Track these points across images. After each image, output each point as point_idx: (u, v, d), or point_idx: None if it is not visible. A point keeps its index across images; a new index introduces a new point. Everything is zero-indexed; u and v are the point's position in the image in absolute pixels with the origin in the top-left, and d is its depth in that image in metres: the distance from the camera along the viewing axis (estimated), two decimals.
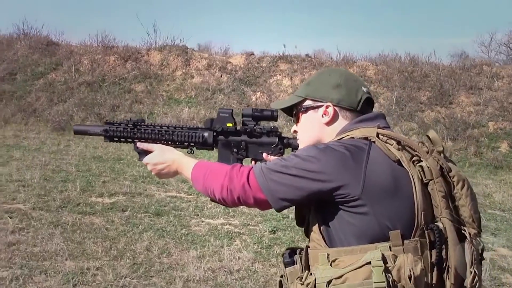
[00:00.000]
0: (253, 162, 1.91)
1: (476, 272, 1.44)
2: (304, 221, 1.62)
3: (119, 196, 6.85)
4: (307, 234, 1.59)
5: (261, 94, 14.07)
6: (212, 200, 1.65)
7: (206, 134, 1.90)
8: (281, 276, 1.67)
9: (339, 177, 1.41)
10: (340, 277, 1.39)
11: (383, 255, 1.37)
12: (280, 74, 14.73)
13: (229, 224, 5.95)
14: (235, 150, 1.89)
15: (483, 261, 1.54)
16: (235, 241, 5.39)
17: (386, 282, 1.33)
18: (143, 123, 1.94)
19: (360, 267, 1.37)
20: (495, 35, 20.66)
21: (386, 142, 1.47)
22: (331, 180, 1.41)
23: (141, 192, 7.10)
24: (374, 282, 1.34)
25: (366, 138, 1.49)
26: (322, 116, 1.61)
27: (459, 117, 12.95)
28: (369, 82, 13.97)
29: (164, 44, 15.83)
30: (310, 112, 1.64)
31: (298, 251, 1.61)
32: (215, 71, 14.81)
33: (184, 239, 5.29)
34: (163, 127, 1.94)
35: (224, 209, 6.34)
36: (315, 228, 1.52)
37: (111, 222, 5.65)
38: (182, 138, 1.91)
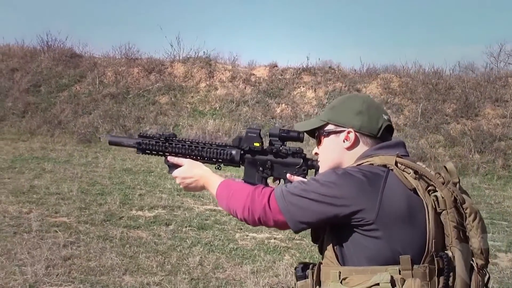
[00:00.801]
0: (277, 181, 1.96)
1: None
2: (319, 239, 1.69)
3: (158, 209, 6.84)
4: (321, 251, 1.66)
5: (286, 106, 14.07)
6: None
7: (233, 152, 1.96)
8: None
9: (356, 202, 1.46)
10: None
11: (392, 277, 1.43)
12: (304, 86, 14.73)
13: (274, 239, 5.91)
14: (260, 168, 1.94)
15: None
16: (285, 255, 5.35)
17: None
18: (174, 138, 2.01)
19: (369, 287, 1.43)
20: (504, 45, 20.56)
21: (403, 171, 1.52)
22: (348, 205, 1.46)
23: (179, 206, 7.09)
24: None
25: (384, 166, 1.54)
26: (344, 141, 1.66)
27: (485, 129, 12.86)
28: (393, 94, 13.91)
29: (188, 56, 15.92)
30: (332, 136, 1.69)
31: (310, 266, 1.67)
32: (239, 83, 14.84)
33: (234, 254, 5.25)
34: (193, 143, 2.00)
35: None
36: (330, 246, 1.57)
37: (158, 236, 5.63)
38: (211, 155, 1.97)
